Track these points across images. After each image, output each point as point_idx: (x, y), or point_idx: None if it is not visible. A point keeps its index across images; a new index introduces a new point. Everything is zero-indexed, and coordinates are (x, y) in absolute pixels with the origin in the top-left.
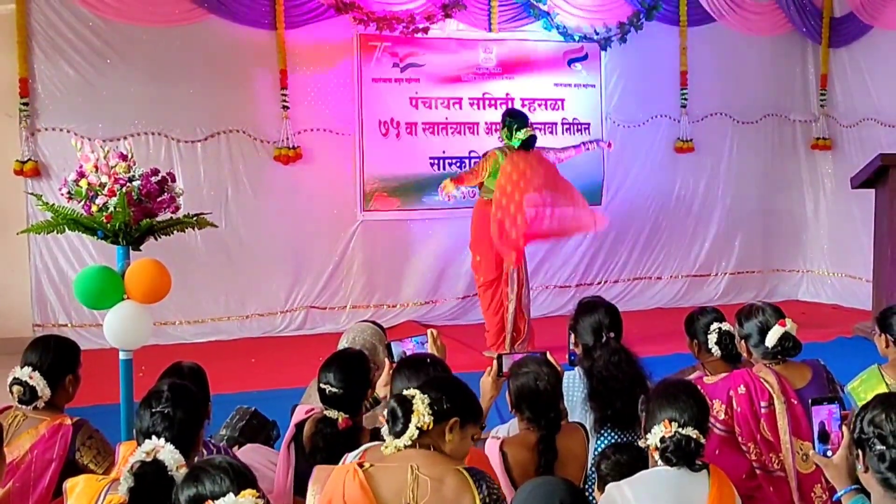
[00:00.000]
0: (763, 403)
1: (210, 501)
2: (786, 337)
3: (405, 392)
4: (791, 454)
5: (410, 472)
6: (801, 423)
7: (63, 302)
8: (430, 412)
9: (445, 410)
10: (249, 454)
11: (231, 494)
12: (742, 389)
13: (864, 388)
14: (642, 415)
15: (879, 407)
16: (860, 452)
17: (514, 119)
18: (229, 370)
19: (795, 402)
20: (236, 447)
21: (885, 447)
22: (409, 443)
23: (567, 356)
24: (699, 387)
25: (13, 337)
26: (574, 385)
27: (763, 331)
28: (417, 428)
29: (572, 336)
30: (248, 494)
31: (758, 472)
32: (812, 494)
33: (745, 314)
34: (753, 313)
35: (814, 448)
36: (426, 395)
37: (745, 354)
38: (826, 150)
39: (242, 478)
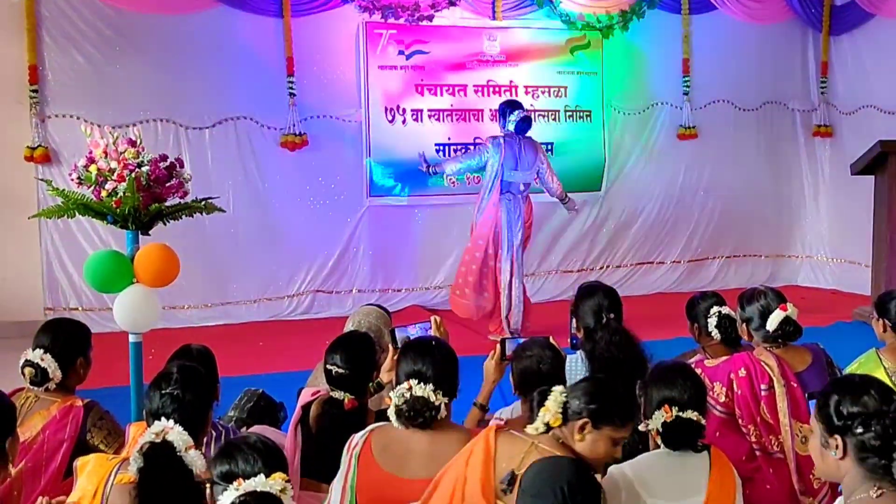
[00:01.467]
0: (763, 386)
1: (241, 480)
2: (787, 321)
3: (555, 387)
4: (790, 436)
5: (531, 444)
6: (801, 405)
7: (73, 286)
8: (560, 409)
9: (576, 411)
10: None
11: (262, 475)
12: (742, 372)
13: (862, 371)
14: (641, 399)
15: (846, 393)
16: (839, 439)
17: (507, 105)
18: (237, 353)
19: (795, 386)
20: (244, 428)
21: (865, 431)
22: (538, 433)
23: (569, 340)
24: (700, 370)
25: (24, 320)
26: (576, 368)
27: (764, 315)
28: (545, 423)
29: (574, 320)
30: (277, 477)
31: (757, 453)
32: (811, 476)
33: (746, 298)
34: (755, 297)
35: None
36: (565, 393)
37: (745, 338)
38: (826, 136)
39: (274, 459)
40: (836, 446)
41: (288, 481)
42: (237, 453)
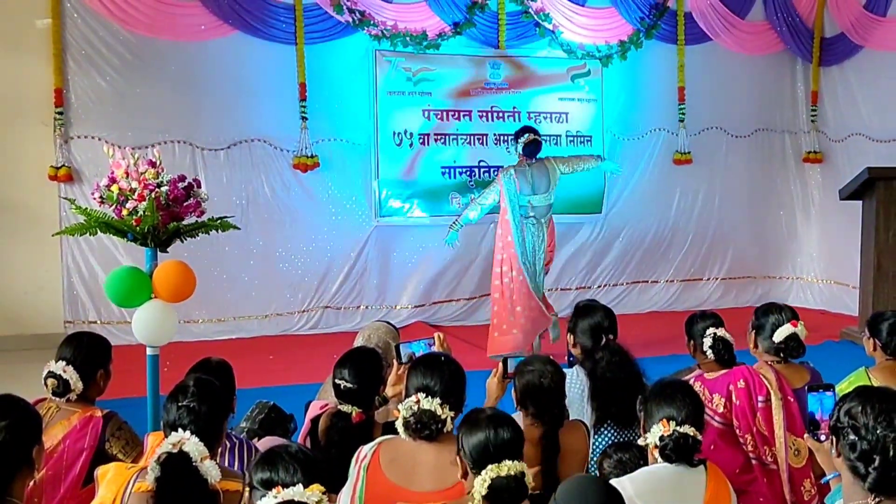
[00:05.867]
0: (760, 398)
1: (280, 488)
2: (793, 337)
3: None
4: (784, 448)
5: None
6: (796, 419)
7: (93, 300)
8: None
9: None
10: (268, 446)
11: (300, 486)
12: (741, 384)
13: (850, 389)
14: (640, 415)
15: (857, 399)
16: (834, 438)
17: (520, 130)
18: (249, 366)
19: (792, 400)
20: (256, 439)
21: (856, 438)
22: None
23: (566, 357)
24: (701, 383)
25: (45, 333)
26: (572, 383)
27: (775, 326)
28: None
29: (571, 337)
30: (315, 489)
31: (753, 462)
32: (802, 488)
33: (763, 310)
34: (772, 310)
35: (807, 432)
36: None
37: (750, 346)
38: (816, 163)
39: (313, 470)
40: (832, 443)
41: (325, 493)
42: (278, 462)
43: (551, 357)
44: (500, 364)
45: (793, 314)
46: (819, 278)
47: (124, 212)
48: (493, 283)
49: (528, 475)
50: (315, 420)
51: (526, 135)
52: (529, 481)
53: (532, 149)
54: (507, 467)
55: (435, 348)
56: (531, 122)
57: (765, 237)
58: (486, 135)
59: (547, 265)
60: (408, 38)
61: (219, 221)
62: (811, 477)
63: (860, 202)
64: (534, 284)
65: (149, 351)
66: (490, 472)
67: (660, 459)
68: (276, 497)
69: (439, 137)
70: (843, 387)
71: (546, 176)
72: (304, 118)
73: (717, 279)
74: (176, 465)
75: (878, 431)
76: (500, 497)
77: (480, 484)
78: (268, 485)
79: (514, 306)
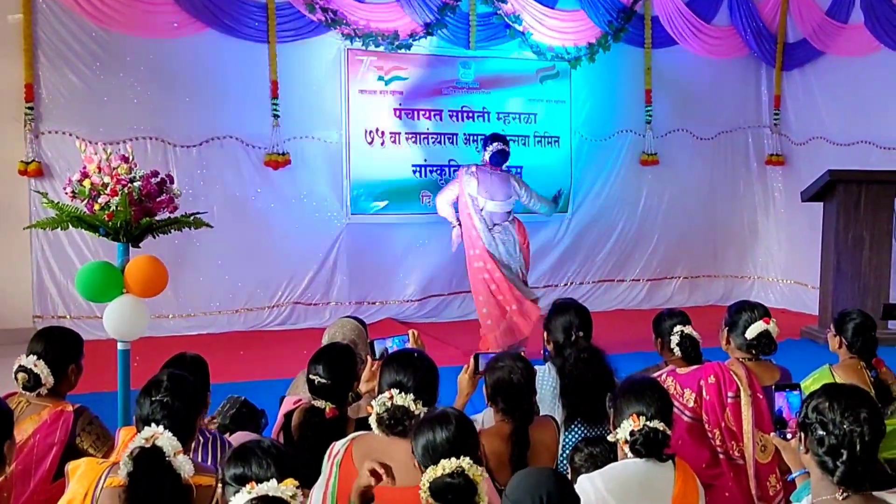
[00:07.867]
0: (730, 394)
1: (253, 483)
2: (765, 334)
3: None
4: (752, 444)
5: None
6: (764, 416)
7: (62, 295)
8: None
9: None
10: (240, 441)
11: (274, 480)
12: (712, 379)
13: (815, 385)
14: (611, 411)
15: (825, 395)
16: (803, 435)
17: (489, 137)
18: (219, 361)
19: (761, 397)
20: (227, 434)
21: (824, 433)
22: None
23: (542, 352)
24: (672, 377)
25: (14, 328)
26: (544, 378)
27: (748, 324)
28: None
29: (545, 334)
30: (289, 483)
31: (721, 456)
32: (767, 483)
33: (736, 307)
34: (745, 308)
35: (774, 430)
36: None
37: (723, 343)
38: (778, 165)
39: (287, 465)
40: (800, 440)
41: (299, 487)
42: (252, 457)
43: (523, 353)
44: (472, 360)
45: (765, 312)
46: (780, 278)
47: (96, 206)
48: (474, 282)
49: (471, 468)
50: (288, 415)
51: (495, 143)
52: (476, 474)
53: (499, 158)
54: (443, 467)
55: (409, 345)
56: (500, 122)
57: (728, 237)
58: (457, 134)
59: (526, 264)
60: (380, 38)
61: (192, 218)
62: (776, 472)
63: (821, 204)
64: (518, 285)
65: (119, 346)
66: (427, 476)
67: (630, 455)
68: (249, 493)
69: (410, 136)
70: (808, 383)
71: (506, 187)
72: (275, 116)
73: (681, 278)
74: (149, 460)
75: (845, 426)
76: (444, 498)
77: (423, 490)
78: (241, 480)
79: (502, 303)
